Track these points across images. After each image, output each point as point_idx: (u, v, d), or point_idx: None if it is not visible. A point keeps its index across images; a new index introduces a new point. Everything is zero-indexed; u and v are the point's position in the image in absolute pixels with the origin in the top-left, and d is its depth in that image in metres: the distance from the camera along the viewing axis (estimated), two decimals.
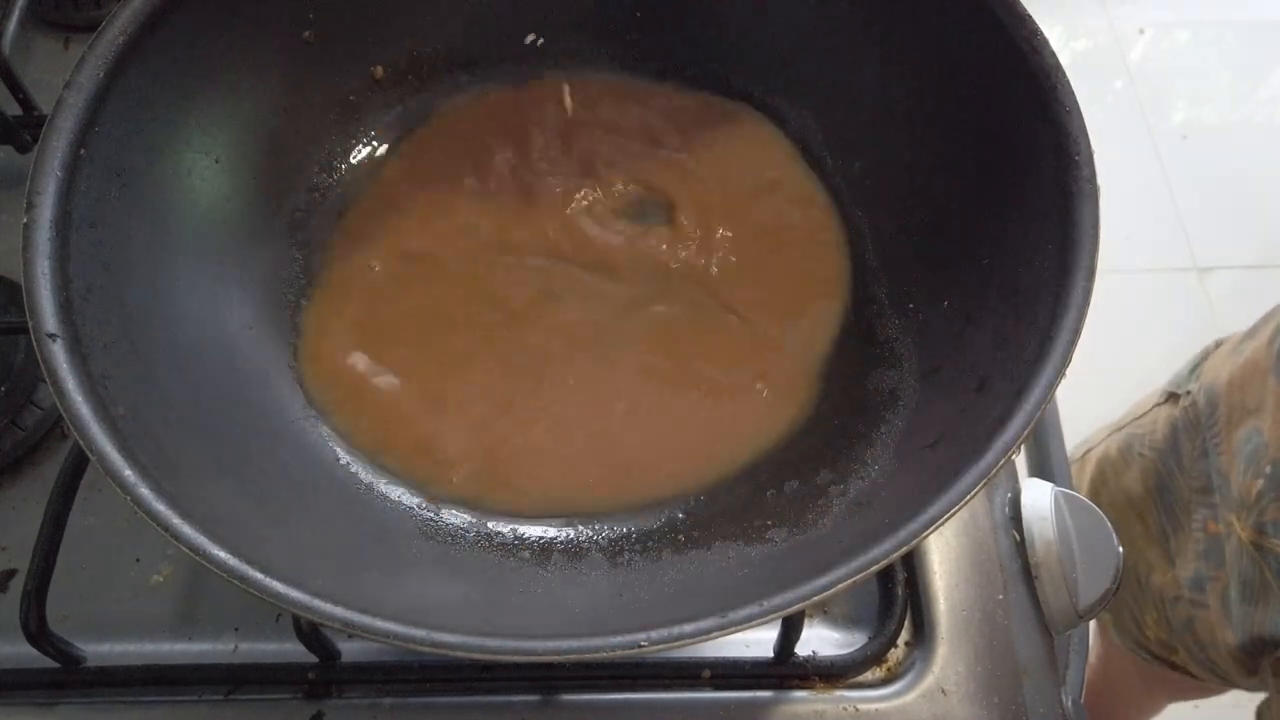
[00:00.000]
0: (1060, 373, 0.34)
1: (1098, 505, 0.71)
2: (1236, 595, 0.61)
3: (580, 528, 0.42)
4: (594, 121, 0.52)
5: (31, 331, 0.33)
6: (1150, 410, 0.72)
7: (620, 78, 0.52)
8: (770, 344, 0.46)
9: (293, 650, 0.41)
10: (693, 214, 0.49)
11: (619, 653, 0.29)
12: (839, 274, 0.48)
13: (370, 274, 0.47)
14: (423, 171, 0.50)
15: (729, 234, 0.49)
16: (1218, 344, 0.69)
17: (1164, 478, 0.68)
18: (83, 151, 0.36)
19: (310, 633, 0.40)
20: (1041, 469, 0.56)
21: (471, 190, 0.50)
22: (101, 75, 0.37)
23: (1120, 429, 0.75)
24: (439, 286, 0.47)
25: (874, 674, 0.43)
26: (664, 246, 0.48)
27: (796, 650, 0.41)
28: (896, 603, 0.43)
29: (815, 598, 0.30)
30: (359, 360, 0.45)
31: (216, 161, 0.43)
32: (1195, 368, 0.69)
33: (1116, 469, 0.73)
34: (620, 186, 0.50)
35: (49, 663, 0.41)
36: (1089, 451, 0.78)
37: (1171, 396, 0.70)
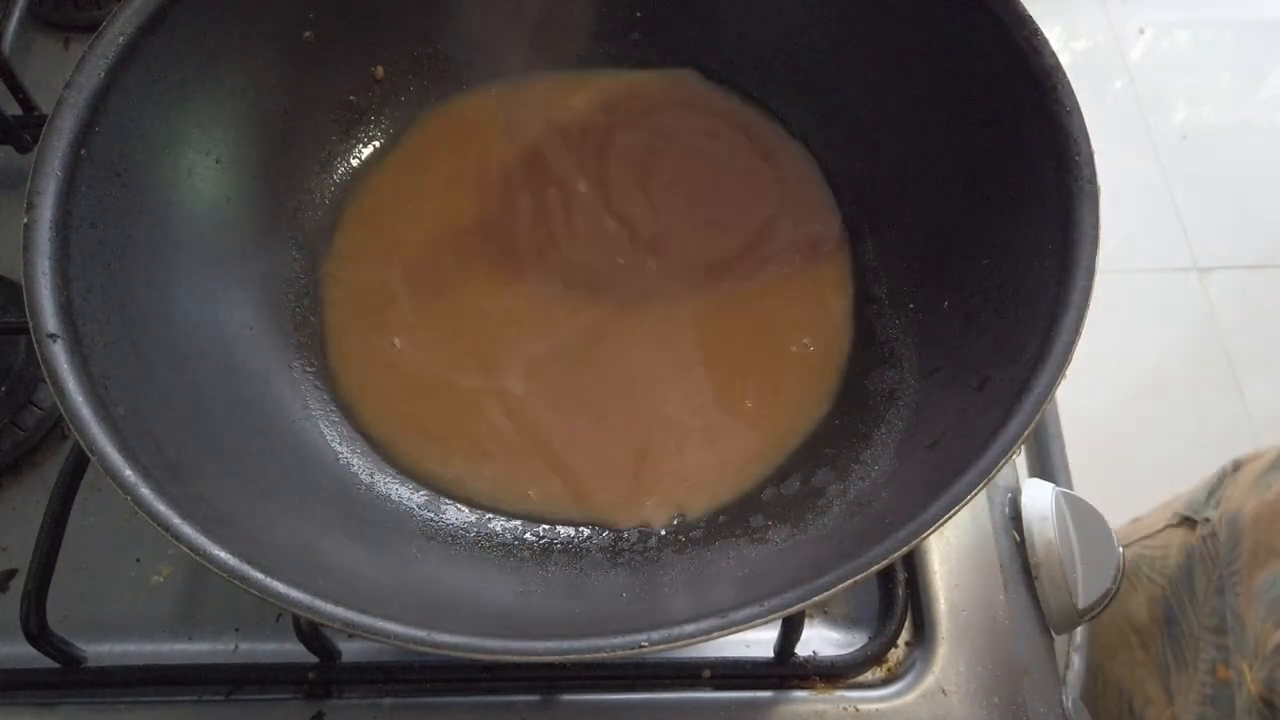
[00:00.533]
0: (1060, 373, 0.34)
1: (1096, 626, 0.67)
2: None
3: (580, 528, 0.42)
4: (593, 121, 0.52)
5: (32, 331, 0.33)
6: (1162, 531, 0.68)
7: (620, 78, 0.52)
8: (771, 344, 0.46)
9: (293, 650, 0.41)
10: (691, 216, 0.49)
11: (619, 653, 0.29)
12: (839, 275, 0.48)
13: (378, 281, 0.47)
14: (423, 172, 0.50)
15: (729, 235, 0.49)
16: (1236, 465, 0.65)
17: (1173, 609, 0.64)
18: (83, 151, 0.36)
19: (310, 633, 0.40)
20: (1041, 469, 0.56)
21: (472, 189, 0.50)
22: (101, 75, 0.37)
23: (1128, 545, 0.70)
24: (436, 285, 0.47)
25: (874, 674, 0.43)
26: (660, 250, 0.48)
27: (797, 650, 0.41)
28: (897, 603, 0.43)
29: (815, 598, 0.30)
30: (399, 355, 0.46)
31: (216, 161, 0.43)
32: (1213, 493, 0.65)
33: (1121, 590, 0.69)
34: (618, 187, 0.50)
35: (49, 663, 0.41)
36: None
37: (1186, 521, 0.66)
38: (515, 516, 0.43)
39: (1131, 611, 0.67)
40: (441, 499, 0.43)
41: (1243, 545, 0.60)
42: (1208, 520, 0.63)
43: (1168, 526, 0.67)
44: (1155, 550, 0.67)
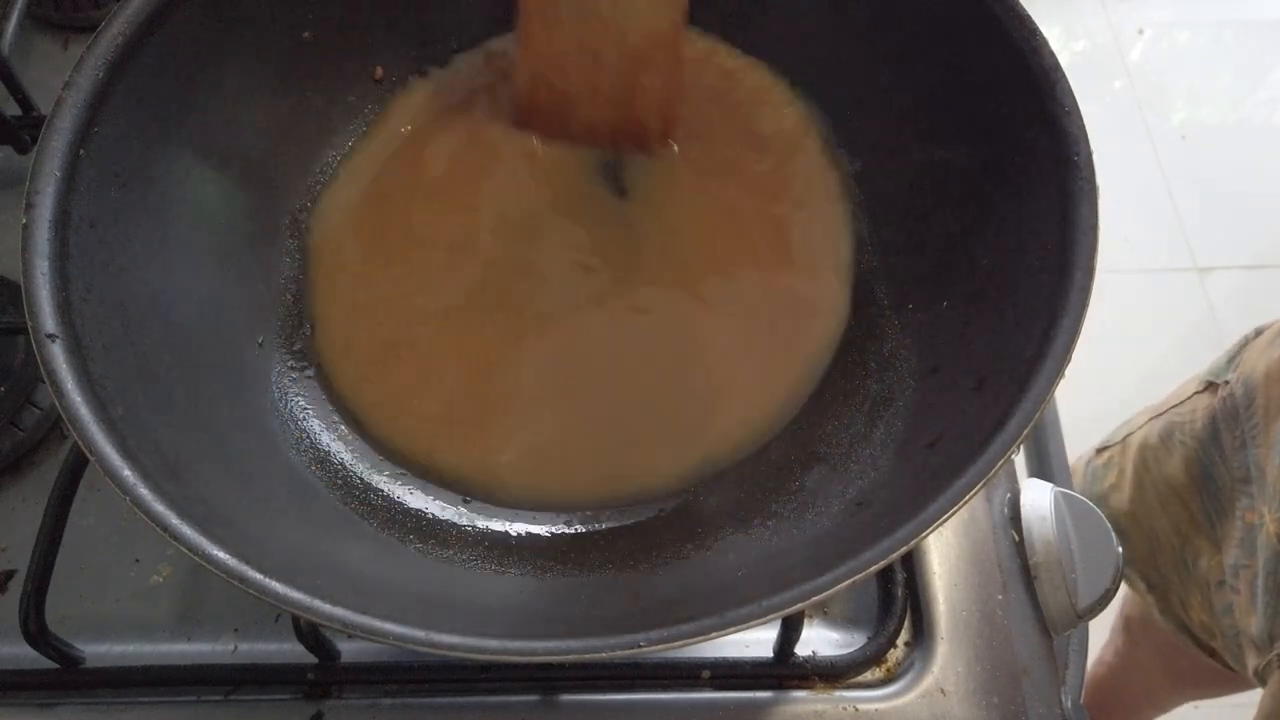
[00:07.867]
0: (1060, 373, 0.34)
1: (1141, 492, 0.73)
2: (1262, 586, 0.61)
3: (578, 526, 0.42)
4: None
5: (31, 332, 0.33)
6: (1189, 398, 0.71)
7: None
8: (770, 340, 0.46)
9: (292, 650, 0.41)
10: (693, 215, 0.49)
11: (618, 653, 0.29)
12: (839, 274, 0.48)
13: (378, 270, 0.47)
14: (423, 171, 0.50)
15: (730, 235, 0.49)
16: (1258, 332, 0.69)
17: (1207, 467, 0.68)
18: (82, 151, 0.36)
19: (310, 633, 0.40)
20: (1041, 469, 0.56)
21: (473, 188, 0.50)
22: (101, 75, 0.37)
23: (1160, 414, 0.74)
24: (437, 284, 0.47)
25: (873, 674, 0.43)
26: (662, 244, 0.48)
27: (796, 650, 0.41)
28: (896, 603, 0.43)
29: (815, 598, 0.30)
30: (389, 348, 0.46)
31: (216, 161, 0.43)
32: (1234, 357, 0.69)
33: (1158, 456, 0.73)
34: (617, 187, 0.50)
35: (49, 663, 0.41)
36: (1130, 435, 0.77)
37: (1210, 385, 0.70)
38: (516, 519, 0.43)
39: (1170, 474, 0.71)
40: (440, 499, 0.43)
41: (1257, 402, 0.63)
42: (1227, 382, 0.67)
43: (1195, 394, 0.71)
44: (1184, 415, 0.71)
